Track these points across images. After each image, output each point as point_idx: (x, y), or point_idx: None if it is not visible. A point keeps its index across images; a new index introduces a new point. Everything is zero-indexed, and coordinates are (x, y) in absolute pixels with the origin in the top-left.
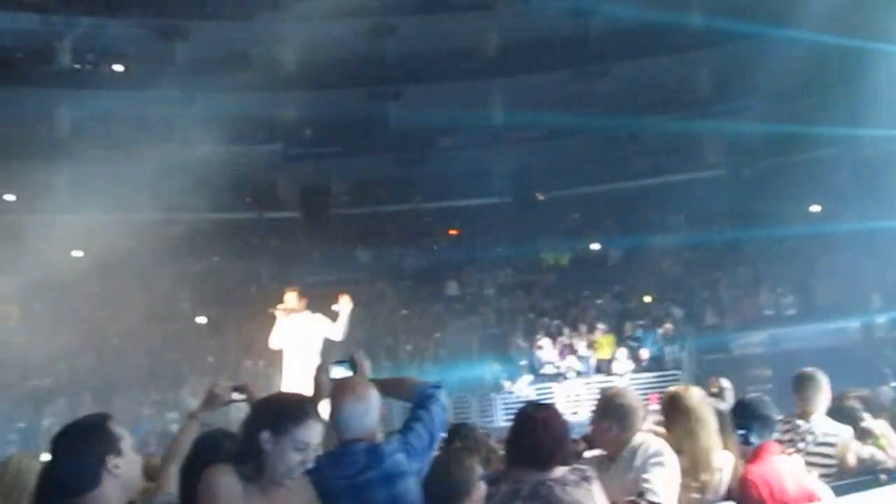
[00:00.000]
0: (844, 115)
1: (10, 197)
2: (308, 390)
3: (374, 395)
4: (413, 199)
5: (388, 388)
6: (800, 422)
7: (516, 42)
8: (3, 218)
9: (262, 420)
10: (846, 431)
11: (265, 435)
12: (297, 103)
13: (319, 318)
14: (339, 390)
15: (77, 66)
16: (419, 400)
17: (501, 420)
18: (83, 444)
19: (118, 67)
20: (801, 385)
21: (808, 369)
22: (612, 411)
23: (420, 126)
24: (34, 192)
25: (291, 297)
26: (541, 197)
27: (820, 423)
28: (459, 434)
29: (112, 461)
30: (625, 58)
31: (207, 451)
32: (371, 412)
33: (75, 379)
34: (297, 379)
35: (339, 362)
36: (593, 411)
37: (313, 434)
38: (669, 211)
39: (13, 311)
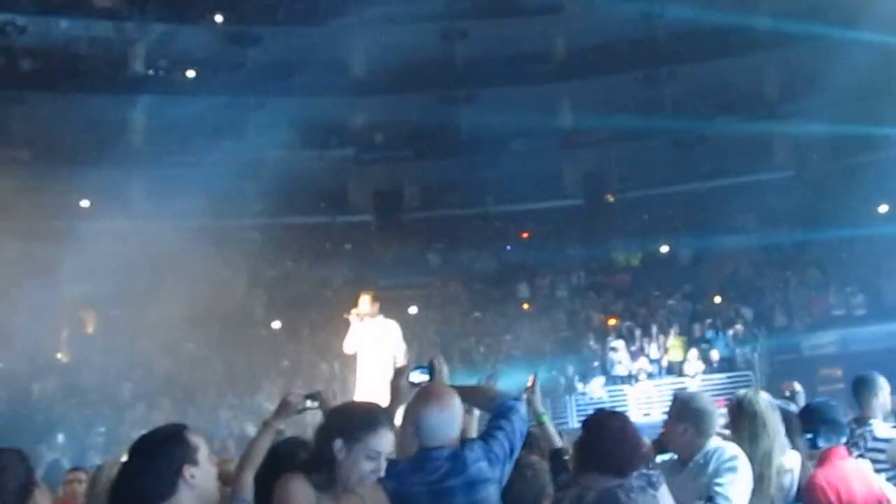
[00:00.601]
0: None
1: (84, 203)
2: (381, 394)
3: (458, 403)
4: (484, 203)
5: (469, 396)
6: (856, 426)
7: (585, 45)
8: (78, 224)
9: (335, 428)
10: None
11: (338, 443)
12: (368, 108)
13: (392, 324)
14: (423, 397)
15: (150, 72)
16: (500, 410)
17: (575, 421)
18: (160, 453)
19: (190, 73)
20: (858, 389)
21: (866, 373)
22: (687, 414)
23: (491, 129)
24: (108, 198)
25: (365, 301)
26: (611, 199)
27: (875, 428)
28: (534, 443)
29: (188, 470)
30: (692, 60)
31: (282, 460)
32: (455, 420)
33: (153, 385)
34: (370, 383)
35: (418, 367)
36: (668, 413)
37: (385, 443)
38: (738, 212)
39: (90, 317)
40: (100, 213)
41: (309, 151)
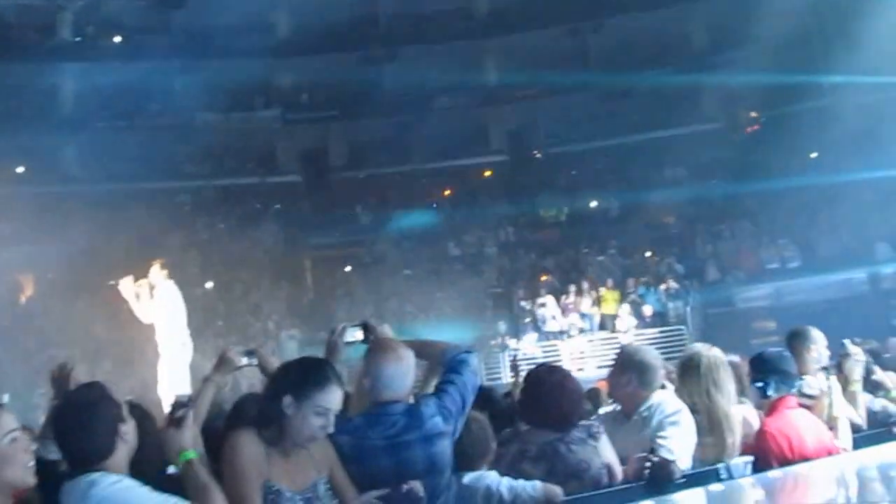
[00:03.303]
0: (844, 63)
1: (19, 169)
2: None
3: (411, 357)
4: (410, 161)
5: (420, 351)
6: None
7: (509, 0)
8: (13, 190)
9: (284, 385)
10: (828, 386)
11: (287, 399)
12: (293, 69)
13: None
14: (378, 350)
15: (78, 38)
16: (451, 364)
17: (508, 377)
18: (96, 414)
19: (117, 39)
20: (791, 343)
21: (800, 326)
22: (631, 367)
23: (415, 88)
24: (41, 164)
25: (153, 270)
26: (538, 155)
27: (805, 383)
28: (482, 397)
29: (122, 428)
30: (618, 12)
31: (242, 415)
32: (409, 373)
33: (93, 346)
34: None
35: (353, 326)
36: (612, 365)
37: (334, 399)
38: (667, 166)
39: (28, 281)
40: (34, 179)
41: (236, 113)
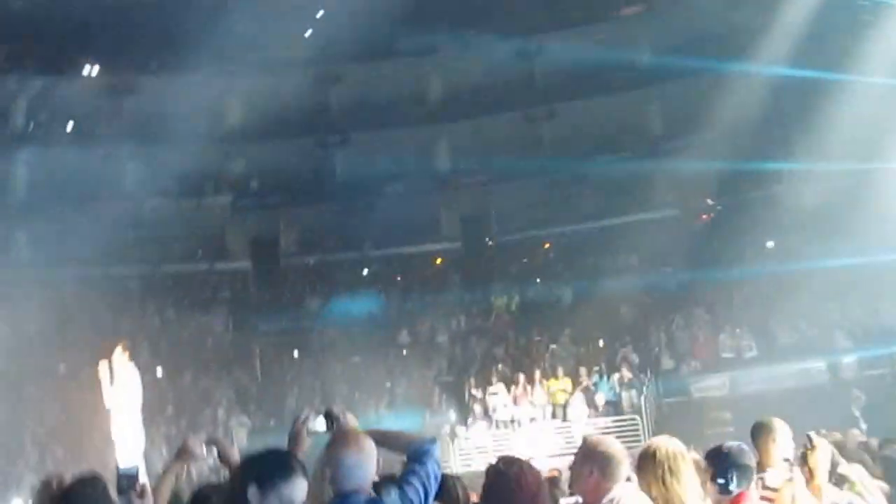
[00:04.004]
0: (801, 149)
1: None
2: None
3: (372, 447)
4: (362, 247)
5: (382, 441)
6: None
7: (460, 86)
8: None
9: (250, 474)
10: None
11: (252, 489)
12: (244, 155)
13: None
14: (339, 441)
15: (31, 126)
16: (415, 455)
17: (459, 467)
18: None
19: (69, 125)
20: (756, 435)
21: (764, 418)
22: (594, 458)
23: (367, 173)
24: None
25: (116, 353)
26: (490, 242)
27: (768, 476)
28: (441, 487)
29: None
30: (571, 98)
31: None
32: (370, 463)
33: (44, 433)
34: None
35: (317, 415)
36: (574, 456)
37: (299, 490)
38: (621, 253)
39: None
40: None
41: (186, 199)
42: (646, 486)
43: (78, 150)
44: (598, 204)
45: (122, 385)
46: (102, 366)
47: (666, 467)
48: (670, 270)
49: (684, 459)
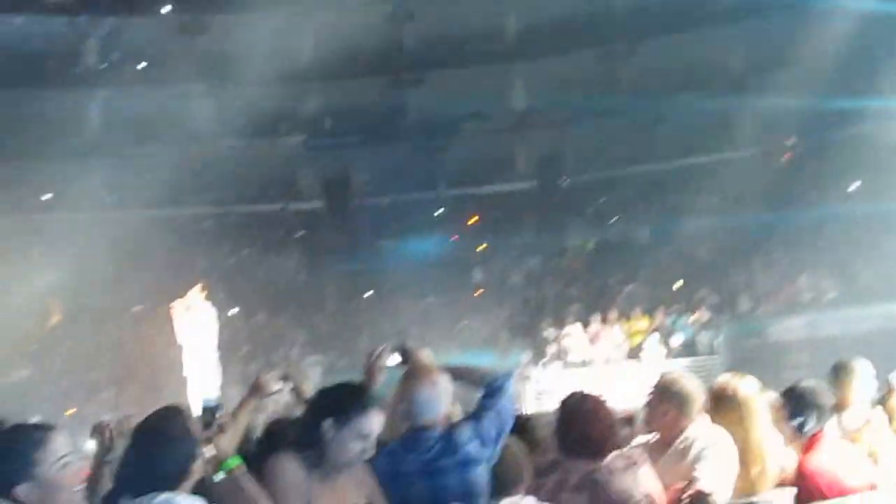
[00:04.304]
0: (888, 86)
1: (45, 196)
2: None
3: (446, 382)
4: (436, 187)
5: (457, 376)
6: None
7: (537, 22)
8: (41, 217)
9: (324, 408)
10: (871, 419)
11: (327, 423)
12: (317, 94)
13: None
14: (413, 375)
15: (102, 65)
16: (489, 390)
17: (532, 408)
18: (176, 444)
19: (141, 65)
20: (836, 375)
21: (845, 358)
22: (670, 396)
23: (441, 113)
24: (68, 191)
25: (192, 293)
26: (566, 181)
27: (846, 417)
28: (520, 426)
29: (194, 465)
30: (651, 35)
31: (274, 439)
32: (444, 398)
33: (121, 370)
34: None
35: (393, 349)
36: (650, 394)
37: (374, 424)
38: (701, 193)
39: (56, 306)
40: (61, 206)
41: (259, 139)
42: (722, 425)
43: (150, 89)
44: (678, 143)
45: (196, 324)
46: (177, 305)
47: (740, 407)
48: (750, 211)
49: (758, 399)
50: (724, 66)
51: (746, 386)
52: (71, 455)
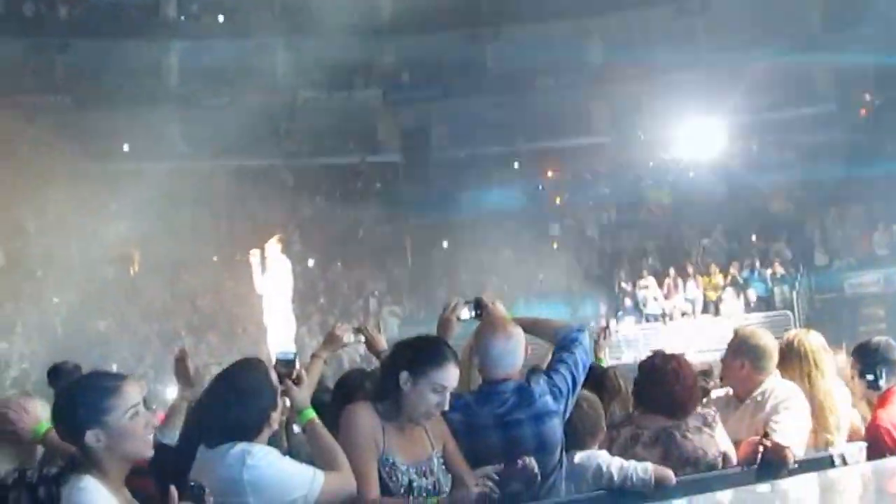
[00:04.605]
0: None
1: (125, 146)
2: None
3: (521, 335)
4: (513, 140)
5: (531, 329)
6: None
7: None
8: (120, 167)
9: (402, 361)
10: None
11: (404, 375)
12: (395, 47)
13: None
14: (488, 328)
15: (182, 17)
16: (563, 343)
17: (608, 360)
18: (255, 394)
19: (220, 17)
20: None
21: None
22: (746, 350)
23: (519, 67)
24: (147, 140)
25: (269, 244)
26: (642, 136)
27: None
28: (596, 379)
29: (273, 414)
30: None
31: (349, 389)
32: (519, 351)
33: (198, 320)
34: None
35: (466, 303)
36: (726, 348)
37: (450, 376)
38: (778, 147)
39: (134, 256)
40: (140, 156)
41: (337, 92)
42: (790, 379)
43: (228, 41)
44: (754, 96)
45: (274, 274)
46: (254, 256)
47: (810, 361)
48: (826, 165)
49: (827, 353)
50: (800, 20)
51: (813, 340)
52: (142, 405)
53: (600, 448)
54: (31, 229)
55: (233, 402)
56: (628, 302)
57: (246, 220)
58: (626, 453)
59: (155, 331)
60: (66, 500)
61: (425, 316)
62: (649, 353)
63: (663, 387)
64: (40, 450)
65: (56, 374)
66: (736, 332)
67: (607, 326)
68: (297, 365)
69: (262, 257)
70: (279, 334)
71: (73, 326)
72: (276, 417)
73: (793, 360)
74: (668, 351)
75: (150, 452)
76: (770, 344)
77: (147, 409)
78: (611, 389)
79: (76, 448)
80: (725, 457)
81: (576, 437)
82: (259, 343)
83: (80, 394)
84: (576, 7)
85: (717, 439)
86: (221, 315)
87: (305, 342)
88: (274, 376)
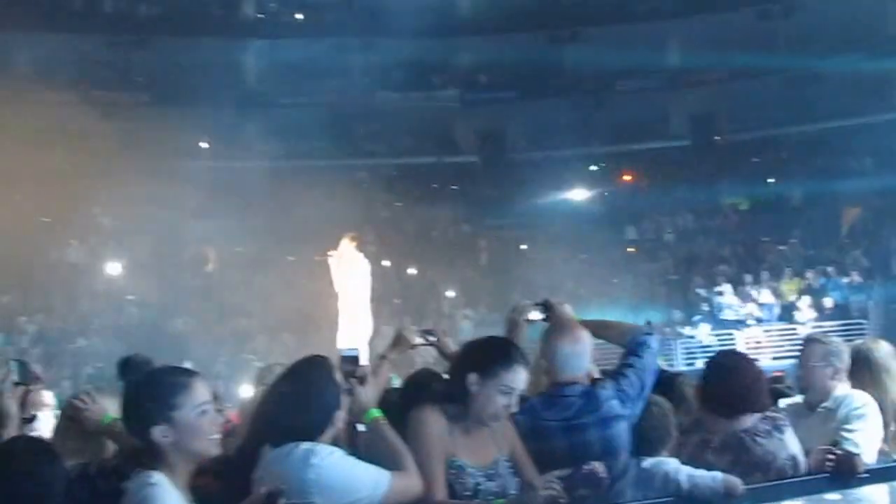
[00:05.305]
0: None
1: (203, 143)
2: (361, 332)
3: (588, 338)
4: (590, 143)
5: (600, 331)
6: None
7: None
8: (197, 164)
9: (470, 362)
10: None
11: (472, 377)
12: (473, 48)
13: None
14: (555, 331)
15: (260, 15)
16: (631, 346)
17: (682, 365)
18: (320, 393)
19: (299, 16)
20: None
21: None
22: (819, 357)
23: (597, 69)
24: (225, 138)
25: (345, 243)
26: (720, 140)
27: None
28: (666, 384)
29: (337, 414)
30: None
31: (417, 390)
32: (586, 354)
33: (273, 319)
34: (350, 321)
35: (535, 305)
36: (799, 355)
37: (519, 379)
38: (856, 155)
39: (210, 253)
40: (217, 154)
41: (414, 92)
42: (860, 388)
43: (307, 40)
44: (834, 104)
45: (350, 274)
46: (330, 256)
47: (882, 368)
48: None
49: (892, 362)
50: (881, 26)
51: (883, 348)
52: (210, 403)
53: (671, 455)
54: (108, 226)
55: (296, 401)
56: (704, 307)
57: (322, 220)
58: (695, 459)
59: (230, 330)
60: (134, 494)
61: (499, 318)
62: (713, 354)
63: (723, 385)
64: (112, 447)
65: (126, 366)
66: (808, 339)
67: None
68: (363, 364)
69: (338, 257)
70: (351, 332)
71: (149, 324)
72: (341, 416)
73: (862, 368)
74: (731, 349)
75: (215, 451)
76: (843, 351)
77: (220, 408)
78: (679, 396)
79: (143, 443)
80: (796, 462)
81: (645, 442)
82: (333, 344)
83: (149, 388)
84: (656, 10)
85: (787, 443)
86: (296, 315)
87: (378, 343)
88: (339, 375)
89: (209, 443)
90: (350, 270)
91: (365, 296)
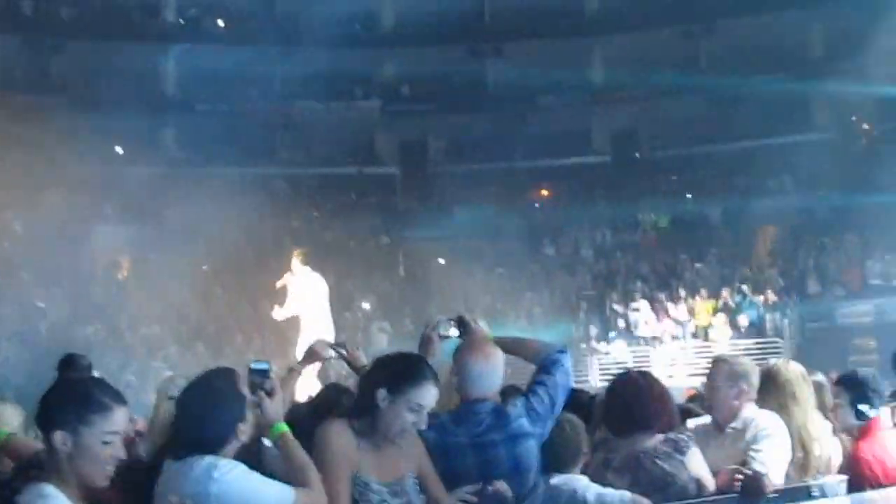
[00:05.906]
0: None
1: (118, 149)
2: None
3: (500, 356)
4: (511, 158)
5: (512, 349)
6: (892, 400)
7: None
8: (112, 170)
9: (380, 378)
10: None
11: (381, 393)
12: (395, 60)
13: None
14: (467, 348)
15: (181, 21)
16: (543, 364)
17: (597, 381)
18: (221, 405)
19: (220, 23)
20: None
21: None
22: (727, 377)
23: (519, 84)
24: (141, 145)
25: (296, 261)
26: (640, 157)
27: None
28: (579, 402)
29: (241, 426)
30: (732, 15)
31: (325, 405)
32: (498, 372)
33: (185, 329)
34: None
35: (448, 320)
36: (708, 374)
37: (428, 396)
38: (774, 174)
39: (124, 260)
40: (133, 160)
41: (335, 102)
42: (767, 409)
43: (228, 48)
44: (753, 124)
45: (306, 288)
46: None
47: (787, 391)
48: (823, 194)
49: (806, 383)
50: (802, 48)
51: (792, 370)
52: (120, 437)
53: (581, 473)
54: (20, 231)
55: (198, 413)
56: (620, 324)
57: (238, 230)
58: (596, 478)
59: (141, 339)
60: None
61: (415, 331)
62: (617, 374)
63: (624, 405)
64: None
65: (66, 364)
66: (716, 359)
67: None
68: (271, 376)
69: (292, 273)
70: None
71: (58, 331)
72: (245, 430)
73: (770, 390)
74: (635, 370)
75: (103, 483)
76: (751, 373)
77: (129, 418)
78: (585, 413)
79: (44, 444)
80: (700, 484)
81: (555, 459)
82: (246, 354)
83: (72, 392)
84: (579, 26)
85: (688, 465)
86: (210, 324)
87: (291, 353)
88: (245, 387)
89: (101, 473)
90: (305, 285)
91: (324, 309)
